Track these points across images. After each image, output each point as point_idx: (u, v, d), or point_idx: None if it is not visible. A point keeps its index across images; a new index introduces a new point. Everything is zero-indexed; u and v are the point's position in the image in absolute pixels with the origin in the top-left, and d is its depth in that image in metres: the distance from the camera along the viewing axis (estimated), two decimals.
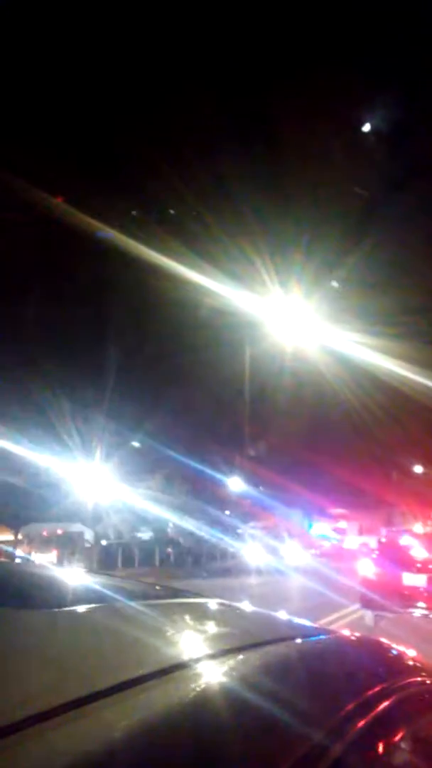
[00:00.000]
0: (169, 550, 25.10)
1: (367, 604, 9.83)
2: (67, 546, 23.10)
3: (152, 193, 17.32)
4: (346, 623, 9.90)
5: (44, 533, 25.18)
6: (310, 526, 31.99)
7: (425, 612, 9.45)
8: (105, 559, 22.21)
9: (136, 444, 24.71)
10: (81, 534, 24.96)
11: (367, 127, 18.46)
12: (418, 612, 9.44)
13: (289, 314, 17.45)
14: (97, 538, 24.33)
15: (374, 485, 32.81)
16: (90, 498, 24.13)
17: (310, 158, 17.57)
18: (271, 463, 30.24)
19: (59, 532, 24.93)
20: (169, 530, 26.79)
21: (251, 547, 23.03)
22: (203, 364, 22.85)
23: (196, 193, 17.23)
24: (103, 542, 24.73)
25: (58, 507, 24.45)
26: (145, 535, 27.32)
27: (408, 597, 9.55)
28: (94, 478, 22.51)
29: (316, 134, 18.60)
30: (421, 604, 9.52)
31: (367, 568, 10.05)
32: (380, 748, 0.81)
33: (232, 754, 0.65)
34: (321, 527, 32.42)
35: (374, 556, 10.40)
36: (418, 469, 38.35)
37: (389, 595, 9.62)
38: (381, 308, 20.59)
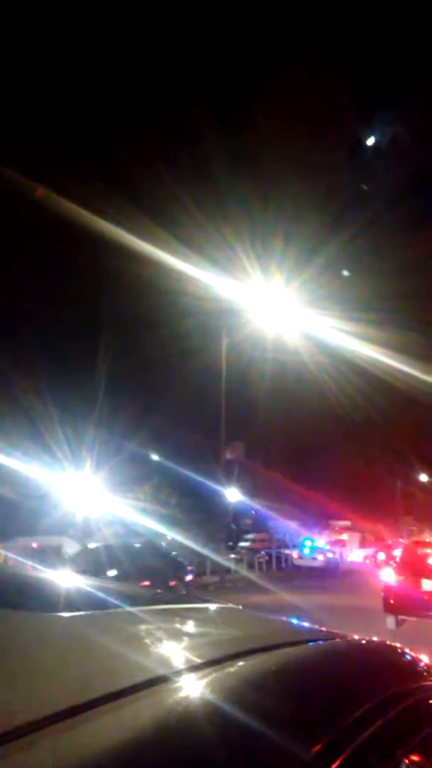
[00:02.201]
0: None
1: (389, 609, 10.54)
2: (43, 561, 22.59)
3: (135, 180, 17.50)
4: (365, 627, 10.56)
5: (18, 546, 24.61)
6: (305, 539, 31.29)
7: None
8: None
9: (125, 453, 24.66)
10: (59, 548, 24.52)
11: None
12: None
13: (273, 302, 17.06)
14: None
15: (378, 493, 33.03)
16: (79, 510, 24.06)
17: (291, 149, 17.98)
18: (268, 470, 30.42)
19: (34, 545, 24.32)
20: (163, 544, 26.69)
21: None
22: (191, 361, 22.67)
23: (179, 179, 17.48)
24: None
25: (47, 519, 24.28)
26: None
27: (428, 602, 10.27)
28: (83, 490, 22.43)
29: (298, 127, 19.20)
30: None
31: (389, 576, 10.78)
32: (391, 755, 0.81)
33: (234, 764, 0.63)
34: (314, 540, 31.68)
35: (394, 564, 11.16)
36: (423, 477, 38.40)
37: (410, 601, 10.33)
38: (362, 295, 21.05)
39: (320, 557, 29.13)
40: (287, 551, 29.96)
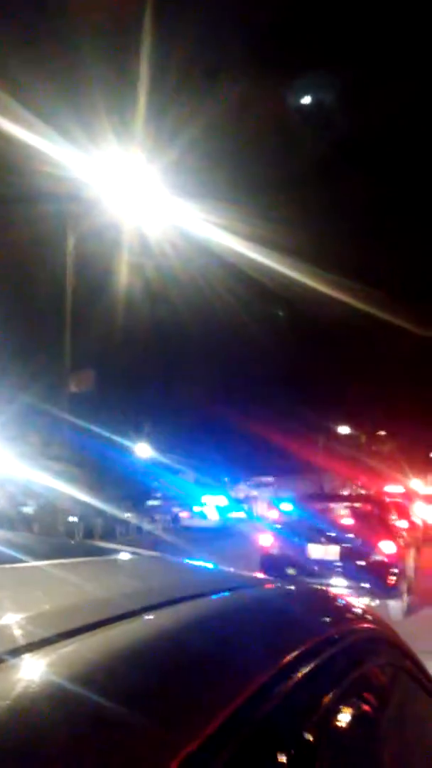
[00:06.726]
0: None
1: None
2: None
3: None
4: None
5: None
6: (197, 494, 27.89)
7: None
8: None
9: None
10: None
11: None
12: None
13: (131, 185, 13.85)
14: None
15: (292, 442, 31.15)
16: None
17: (159, 24, 15.29)
18: (168, 416, 27.78)
19: None
20: (57, 503, 24.68)
21: None
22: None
23: (26, 32, 14.56)
24: None
25: None
26: (29, 509, 25.28)
27: (317, 574, 8.07)
28: None
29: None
30: (337, 581, 8.08)
31: (267, 540, 8.52)
32: (322, 699, 0.80)
33: (137, 716, 0.59)
34: (208, 498, 28.13)
35: (277, 525, 8.85)
36: (344, 429, 37.44)
37: (293, 572, 8.13)
38: (228, 183, 18.73)
39: (215, 517, 26.52)
40: (179, 510, 27.42)
